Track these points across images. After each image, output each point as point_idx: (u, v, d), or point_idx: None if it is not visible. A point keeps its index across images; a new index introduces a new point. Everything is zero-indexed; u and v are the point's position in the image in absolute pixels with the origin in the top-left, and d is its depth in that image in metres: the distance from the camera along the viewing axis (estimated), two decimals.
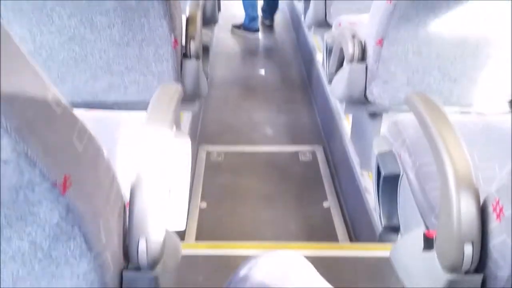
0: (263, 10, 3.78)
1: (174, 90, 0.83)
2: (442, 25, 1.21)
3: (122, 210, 0.66)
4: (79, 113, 1.12)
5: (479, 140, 1.00)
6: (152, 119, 0.77)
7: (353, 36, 1.42)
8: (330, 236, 1.78)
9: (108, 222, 0.59)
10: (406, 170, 1.00)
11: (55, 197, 0.49)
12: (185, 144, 1.06)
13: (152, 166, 0.70)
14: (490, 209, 0.64)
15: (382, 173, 1.04)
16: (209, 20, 2.30)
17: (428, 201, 0.90)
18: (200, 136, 2.38)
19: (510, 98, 1.41)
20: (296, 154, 2.28)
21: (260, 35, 3.73)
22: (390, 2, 1.16)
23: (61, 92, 1.35)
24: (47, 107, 0.47)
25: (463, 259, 0.66)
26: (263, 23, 3.81)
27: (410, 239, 0.89)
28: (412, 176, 0.97)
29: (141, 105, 1.43)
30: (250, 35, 3.60)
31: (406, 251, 0.89)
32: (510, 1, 1.14)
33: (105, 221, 0.58)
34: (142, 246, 0.65)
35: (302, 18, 2.78)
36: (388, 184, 1.06)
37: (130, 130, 1.03)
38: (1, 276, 0.55)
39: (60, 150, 0.48)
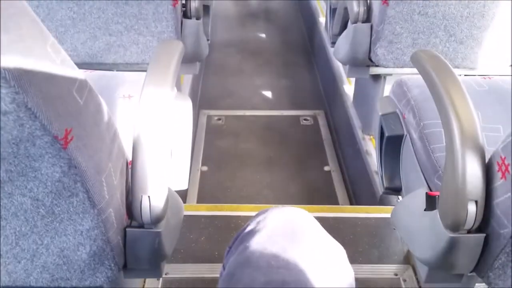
0: None
1: (175, 46, 0.81)
2: None
3: (124, 167, 0.66)
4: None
5: (484, 101, 0.99)
6: (152, 77, 0.75)
7: None
8: (331, 199, 1.79)
9: (111, 178, 0.59)
10: (409, 131, 0.99)
11: (57, 151, 0.48)
12: (186, 105, 1.05)
13: (154, 124, 0.68)
14: (496, 167, 0.64)
15: (386, 134, 1.03)
16: None
17: (431, 162, 0.89)
18: (200, 99, 2.36)
19: None
20: (297, 118, 2.27)
21: None
22: None
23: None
24: (46, 56, 0.45)
25: (466, 218, 0.66)
26: None
27: (412, 199, 0.89)
28: (415, 137, 0.96)
29: (141, 66, 1.41)
30: None
31: (407, 211, 0.89)
32: None
33: (108, 178, 0.58)
34: (145, 203, 0.64)
35: None
36: (391, 146, 1.05)
37: (130, 90, 1.01)
38: (4, 232, 0.55)
39: (61, 102, 0.47)
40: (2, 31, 0.40)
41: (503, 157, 0.62)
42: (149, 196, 0.64)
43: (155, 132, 0.68)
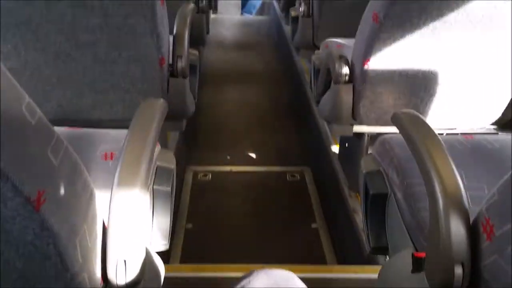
0: None
1: (158, 105, 0.82)
2: (429, 47, 1.22)
3: (100, 229, 0.64)
4: (61, 130, 1.10)
5: (466, 160, 1.00)
6: (134, 135, 0.75)
7: (340, 57, 1.43)
8: (318, 257, 1.75)
9: (86, 241, 0.57)
10: (394, 190, 0.99)
11: (29, 213, 0.47)
12: (169, 163, 1.04)
13: (131, 186, 0.67)
14: (481, 229, 0.63)
15: (370, 193, 1.03)
16: (197, 41, 2.31)
17: (417, 221, 0.88)
18: (188, 155, 2.36)
19: (495, 120, 1.42)
20: (284, 174, 2.26)
21: (248, 56, 3.76)
22: (377, 22, 1.16)
23: (45, 110, 1.33)
24: (20, 117, 0.45)
25: (453, 281, 0.65)
26: None
27: (399, 260, 0.87)
28: (400, 196, 0.96)
29: (127, 122, 1.41)
30: None
31: (394, 272, 0.87)
32: (495, 20, 1.16)
33: (82, 240, 0.56)
34: (120, 267, 0.62)
35: (290, 40, 2.80)
36: (376, 204, 1.04)
37: (112, 148, 1.01)
38: None
39: (34, 163, 0.46)
40: None
41: (487, 217, 0.62)
42: (125, 260, 0.61)
43: (132, 194, 0.66)
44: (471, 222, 0.66)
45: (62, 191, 0.52)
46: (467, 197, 0.90)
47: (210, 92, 3.08)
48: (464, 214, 0.66)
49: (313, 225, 1.91)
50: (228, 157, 2.40)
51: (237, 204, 2.02)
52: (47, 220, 0.49)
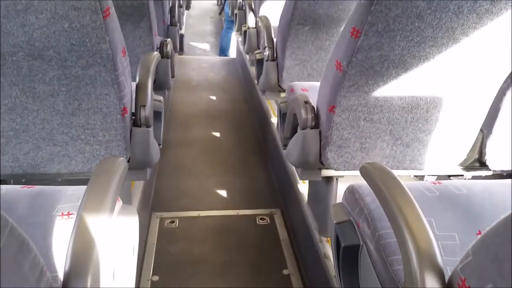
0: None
1: (117, 164, 0.77)
2: (392, 92, 1.24)
3: None
4: (17, 189, 1.03)
5: (436, 208, 0.99)
6: (91, 196, 0.70)
7: (306, 102, 1.43)
8: None
9: None
10: (365, 241, 0.96)
11: None
12: (131, 219, 0.99)
13: (90, 248, 0.63)
14: None
15: (342, 244, 1.00)
16: (162, 86, 2.28)
17: (390, 275, 0.86)
18: (153, 201, 2.29)
19: (461, 161, 1.44)
20: (253, 218, 2.21)
21: (214, 97, 3.77)
22: (341, 71, 1.17)
23: (1, 164, 1.24)
24: None
25: None
26: None
27: None
28: (372, 248, 0.93)
29: (87, 175, 1.35)
30: None
31: None
32: (456, 66, 1.18)
33: None
34: None
35: (256, 81, 2.82)
36: (348, 255, 1.01)
37: (70, 207, 0.95)
38: None
39: None
40: None
41: (463, 278, 0.60)
42: None
43: (91, 258, 0.62)
44: (446, 281, 0.64)
45: (7, 273, 0.47)
46: (439, 247, 0.88)
47: (176, 132, 3.05)
48: (439, 273, 0.64)
49: (285, 272, 1.86)
50: (195, 201, 2.34)
51: (205, 252, 1.95)
52: None
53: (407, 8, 1.02)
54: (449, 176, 1.61)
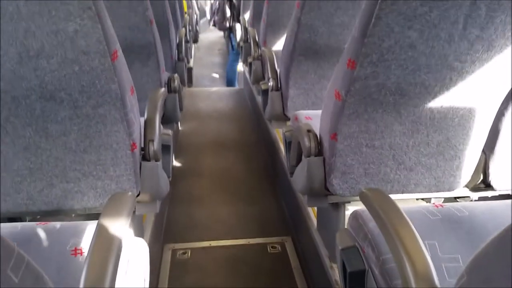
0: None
1: (125, 199, 0.81)
2: (391, 118, 1.27)
3: None
4: (30, 226, 1.07)
5: (438, 230, 1.01)
6: (101, 233, 0.74)
7: (309, 131, 1.46)
8: None
9: None
10: (371, 266, 0.98)
11: None
12: (141, 252, 1.02)
13: (101, 284, 0.66)
14: None
15: (348, 270, 1.02)
16: (170, 119, 2.34)
17: None
18: (165, 233, 2.31)
19: (466, 183, 1.45)
20: (264, 246, 2.22)
21: (223, 126, 3.83)
22: (340, 100, 1.21)
23: (15, 203, 1.29)
24: None
25: None
26: None
27: None
28: (377, 272, 0.95)
29: (99, 209, 1.39)
30: None
31: None
32: (453, 90, 1.21)
33: None
34: None
35: (263, 110, 2.88)
36: (355, 281, 1.03)
37: (82, 243, 0.98)
38: None
39: None
40: None
41: None
42: None
43: None
44: None
45: None
46: (442, 269, 0.89)
47: (187, 162, 3.09)
48: None
49: None
50: (206, 231, 2.36)
51: (218, 282, 1.96)
52: None
53: (400, 39, 1.06)
54: (456, 198, 1.62)
